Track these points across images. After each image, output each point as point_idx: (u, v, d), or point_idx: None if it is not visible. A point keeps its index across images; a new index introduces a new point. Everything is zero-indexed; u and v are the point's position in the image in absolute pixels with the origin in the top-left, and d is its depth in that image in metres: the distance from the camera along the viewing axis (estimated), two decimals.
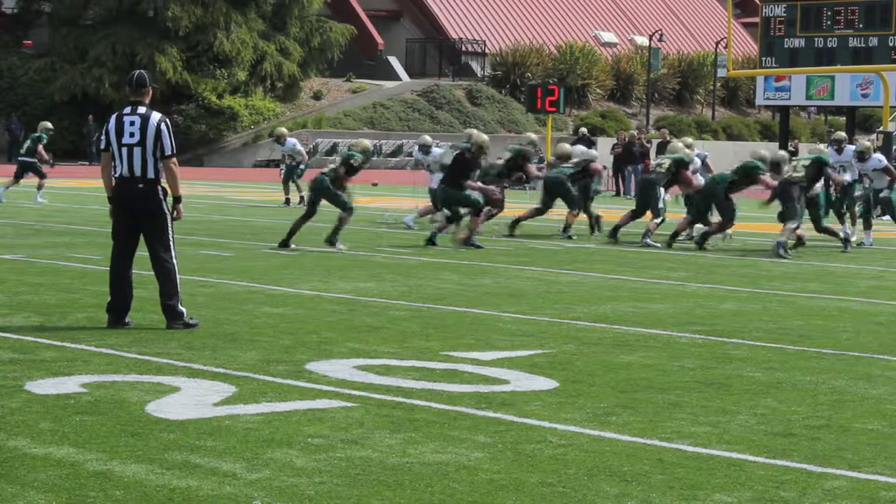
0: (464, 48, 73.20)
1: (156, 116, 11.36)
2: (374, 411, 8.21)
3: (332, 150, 58.98)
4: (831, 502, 6.45)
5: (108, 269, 11.69)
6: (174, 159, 11.38)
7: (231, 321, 11.89)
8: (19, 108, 56.37)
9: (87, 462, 6.82)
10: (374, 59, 70.37)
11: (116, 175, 11.36)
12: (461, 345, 10.93)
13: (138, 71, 11.77)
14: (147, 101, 11.45)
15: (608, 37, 79.82)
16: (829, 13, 42.78)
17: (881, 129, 38.09)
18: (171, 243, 11.48)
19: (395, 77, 69.58)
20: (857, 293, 15.71)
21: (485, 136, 21.17)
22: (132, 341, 10.64)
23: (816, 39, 43.09)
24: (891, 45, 41.83)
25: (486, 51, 72.51)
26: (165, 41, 56.61)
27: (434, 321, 12.33)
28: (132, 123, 11.29)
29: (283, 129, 31.90)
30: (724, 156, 62.72)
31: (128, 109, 11.40)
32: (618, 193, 41.65)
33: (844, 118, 57.96)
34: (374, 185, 44.47)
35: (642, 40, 76.05)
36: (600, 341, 11.35)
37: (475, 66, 72.91)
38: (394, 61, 71.02)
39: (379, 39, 71.19)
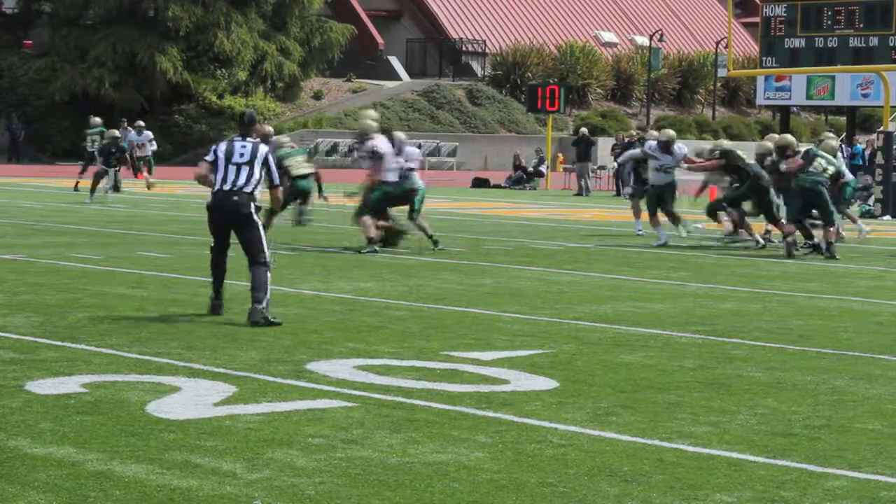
0: (464, 48, 73.21)
1: (264, 147, 12.77)
2: (374, 411, 8.21)
3: (333, 150, 59.04)
4: (832, 502, 6.45)
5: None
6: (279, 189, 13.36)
7: (231, 321, 11.89)
8: (19, 108, 56.38)
9: (88, 462, 6.82)
10: (375, 59, 70.39)
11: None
12: (461, 345, 10.93)
13: (249, 111, 13.32)
14: (255, 136, 12.87)
15: (608, 37, 79.83)
16: (830, 13, 42.77)
17: (881, 129, 38.08)
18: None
19: (396, 77, 69.60)
20: (857, 293, 15.71)
21: (371, 112, 20.88)
22: (132, 341, 10.65)
23: (817, 39, 43.07)
24: (891, 45, 41.81)
25: (487, 51, 72.52)
26: (166, 41, 56.60)
27: (434, 321, 12.34)
28: (243, 147, 12.61)
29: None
30: None
31: (238, 138, 12.73)
32: (618, 194, 41.59)
33: (845, 118, 57.98)
34: None
35: (643, 40, 76.06)
36: (600, 341, 11.35)
37: (475, 65, 72.92)
38: (394, 61, 71.04)
39: (379, 39, 71.20)
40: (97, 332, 11.10)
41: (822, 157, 20.81)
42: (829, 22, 42.92)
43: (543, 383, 9.27)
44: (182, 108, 57.90)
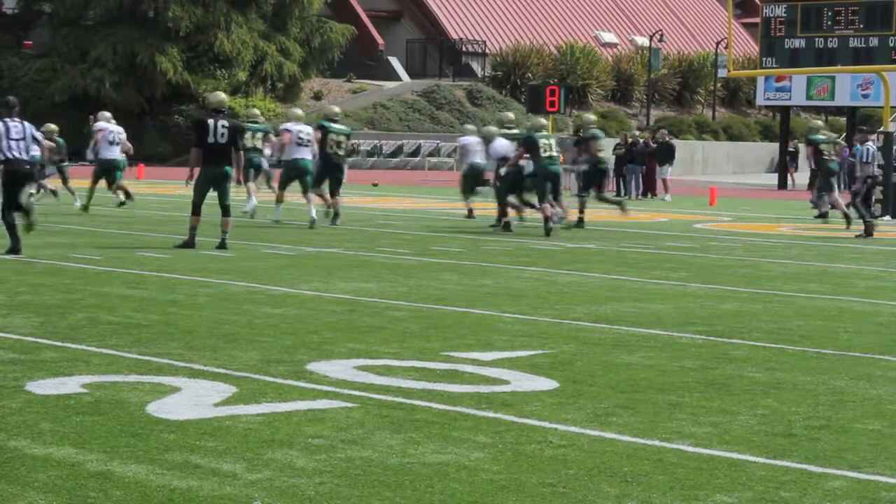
0: (464, 48, 73.23)
1: (28, 124, 17.73)
2: (374, 412, 8.21)
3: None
4: (832, 503, 6.45)
5: None
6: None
7: (231, 321, 11.89)
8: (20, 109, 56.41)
9: (88, 462, 6.82)
10: (375, 60, 70.42)
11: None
12: (461, 345, 10.93)
13: (11, 98, 18.05)
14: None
15: (608, 37, 79.84)
16: (830, 13, 42.81)
17: (882, 129, 38.10)
18: None
19: (396, 77, 69.62)
20: (857, 293, 15.71)
21: (220, 95, 19.98)
22: (132, 341, 10.65)
23: (817, 40, 43.11)
24: (891, 45, 41.85)
25: (487, 51, 72.53)
26: (166, 41, 56.63)
27: (434, 321, 12.34)
28: (16, 126, 17.36)
29: None
30: (723, 155, 62.61)
31: (8, 119, 17.26)
32: (618, 194, 41.59)
33: (845, 118, 57.99)
34: (375, 185, 44.49)
35: (643, 40, 76.08)
36: (600, 342, 11.35)
37: (475, 66, 72.93)
38: (394, 61, 71.07)
39: (379, 40, 71.22)
40: (97, 332, 11.10)
41: (544, 137, 23.62)
42: (829, 22, 42.95)
43: (543, 384, 9.27)
44: (182, 109, 57.88)
